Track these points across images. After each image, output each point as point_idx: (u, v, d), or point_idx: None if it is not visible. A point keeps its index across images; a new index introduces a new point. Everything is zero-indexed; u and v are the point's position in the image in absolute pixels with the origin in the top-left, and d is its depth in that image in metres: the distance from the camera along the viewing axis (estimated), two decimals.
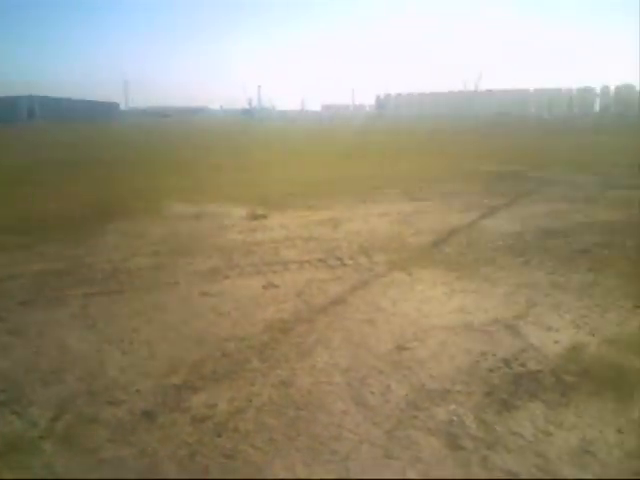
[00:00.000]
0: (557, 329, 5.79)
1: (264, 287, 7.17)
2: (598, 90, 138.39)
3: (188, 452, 3.77)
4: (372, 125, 74.05)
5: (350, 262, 8.30)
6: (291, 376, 4.81)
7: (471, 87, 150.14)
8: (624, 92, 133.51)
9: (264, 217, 11.71)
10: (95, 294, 7.00)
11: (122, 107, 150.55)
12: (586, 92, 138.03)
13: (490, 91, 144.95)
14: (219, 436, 3.95)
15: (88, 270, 8.06)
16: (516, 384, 4.63)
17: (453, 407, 4.28)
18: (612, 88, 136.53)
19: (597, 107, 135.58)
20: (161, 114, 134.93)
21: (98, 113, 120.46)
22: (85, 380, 4.81)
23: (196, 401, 4.42)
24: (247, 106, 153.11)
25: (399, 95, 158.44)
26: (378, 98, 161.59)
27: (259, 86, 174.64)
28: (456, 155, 26.56)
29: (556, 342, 5.46)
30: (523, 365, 4.97)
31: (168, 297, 6.92)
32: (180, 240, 9.88)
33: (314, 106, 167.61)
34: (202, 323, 6.05)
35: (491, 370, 4.88)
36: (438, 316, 6.10)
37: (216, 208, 12.84)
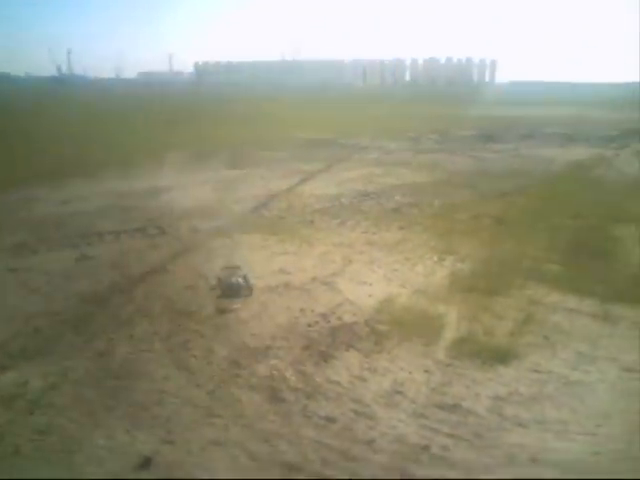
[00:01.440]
0: (371, 283, 6.14)
1: (77, 260, 6.82)
2: (408, 62, 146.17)
3: None
4: (190, 93, 72.41)
5: (171, 230, 8.14)
6: (109, 347, 4.66)
7: (289, 57, 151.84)
8: (431, 65, 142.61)
9: (75, 186, 11.11)
10: None
11: None
12: (397, 63, 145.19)
13: (308, 61, 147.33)
14: (31, 413, 3.75)
15: None
16: (333, 336, 4.85)
17: (274, 362, 4.40)
18: (421, 62, 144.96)
19: (408, 77, 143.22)
20: None
21: None
22: None
23: (5, 380, 4.15)
24: (56, 73, 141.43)
25: (218, 63, 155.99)
26: (197, 65, 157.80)
27: (69, 51, 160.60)
28: (273, 123, 26.81)
29: (370, 295, 5.78)
30: (340, 318, 5.22)
31: None
32: None
33: (130, 73, 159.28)
34: (10, 300, 5.65)
35: (310, 325, 5.07)
36: (259, 278, 6.18)
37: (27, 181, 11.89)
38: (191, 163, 14.04)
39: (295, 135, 20.96)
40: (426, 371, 4.35)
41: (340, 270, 6.52)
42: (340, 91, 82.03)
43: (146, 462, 3.26)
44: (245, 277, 5.99)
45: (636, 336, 4.87)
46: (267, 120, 28.93)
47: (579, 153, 16.86)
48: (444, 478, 3.18)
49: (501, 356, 4.52)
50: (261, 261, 6.79)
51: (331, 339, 4.80)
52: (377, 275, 6.40)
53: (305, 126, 24.55)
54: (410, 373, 4.32)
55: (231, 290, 5.77)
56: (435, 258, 6.97)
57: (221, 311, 5.34)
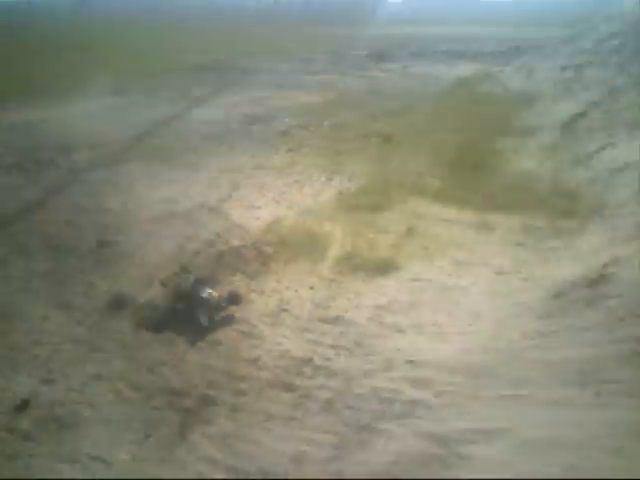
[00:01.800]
0: (259, 207, 6.12)
1: None
2: None
3: None
4: (69, 17, 67.44)
5: (49, 165, 7.70)
6: None
7: None
8: None
9: None
10: None
11: None
12: None
13: None
14: None
15: None
16: (219, 262, 4.83)
17: (157, 291, 4.34)
18: None
19: None
20: None
21: None
22: None
23: None
24: None
25: None
26: None
27: None
28: (159, 48, 25.54)
29: (257, 218, 5.78)
30: (226, 243, 5.20)
31: None
32: None
33: None
34: None
35: (196, 252, 5.02)
36: (143, 208, 6.03)
37: None
38: (70, 93, 13.19)
39: (183, 59, 20.08)
40: (311, 288, 4.45)
41: (228, 195, 6.46)
42: (230, 11, 78.96)
43: (23, 404, 3.18)
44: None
45: (508, 241, 5.15)
46: (153, 45, 27.54)
47: (466, 70, 17.15)
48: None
49: (383, 268, 4.68)
50: (144, 191, 6.58)
51: (217, 264, 4.79)
52: (265, 198, 6.39)
53: (193, 50, 23.57)
54: (296, 291, 4.40)
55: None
56: (323, 179, 7.01)
57: (102, 244, 5.18)
